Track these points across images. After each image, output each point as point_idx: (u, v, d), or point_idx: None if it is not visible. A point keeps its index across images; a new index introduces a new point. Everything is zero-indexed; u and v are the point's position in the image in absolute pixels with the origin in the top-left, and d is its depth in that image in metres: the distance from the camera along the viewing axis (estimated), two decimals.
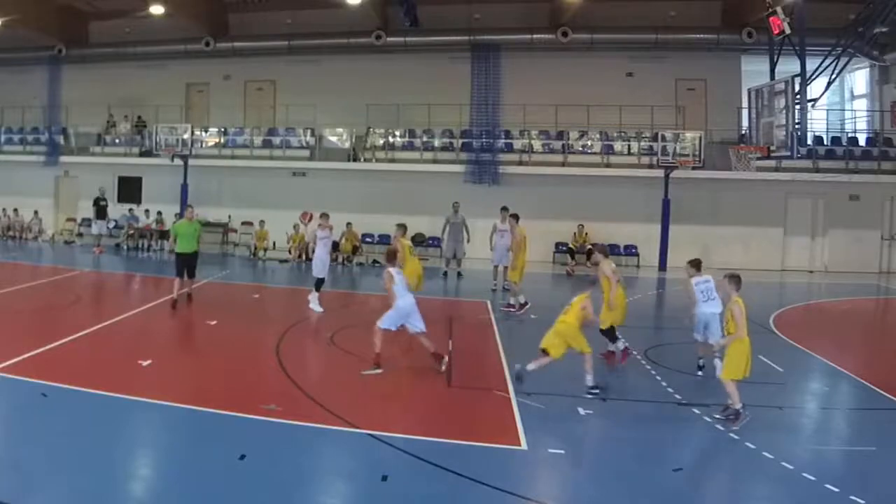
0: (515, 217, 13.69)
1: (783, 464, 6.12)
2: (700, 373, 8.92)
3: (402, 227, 12.21)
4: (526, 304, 12.89)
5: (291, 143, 23.11)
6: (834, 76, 16.18)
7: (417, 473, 5.81)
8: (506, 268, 15.81)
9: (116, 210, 22.83)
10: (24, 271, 17.10)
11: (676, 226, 19.96)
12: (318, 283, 12.64)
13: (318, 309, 12.36)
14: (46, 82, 24.87)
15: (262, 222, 21.03)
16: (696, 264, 9.14)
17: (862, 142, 21.51)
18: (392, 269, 8.99)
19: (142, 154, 23.63)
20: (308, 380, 8.22)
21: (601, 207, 20.65)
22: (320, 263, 12.75)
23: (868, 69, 22.27)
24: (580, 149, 22.04)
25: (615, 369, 9.17)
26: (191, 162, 21.98)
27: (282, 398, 7.52)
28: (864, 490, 5.54)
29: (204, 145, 23.51)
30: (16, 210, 23.69)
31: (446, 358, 8.82)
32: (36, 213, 23.67)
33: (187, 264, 12.53)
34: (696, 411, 7.35)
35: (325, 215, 13.07)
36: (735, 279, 7.33)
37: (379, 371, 8.52)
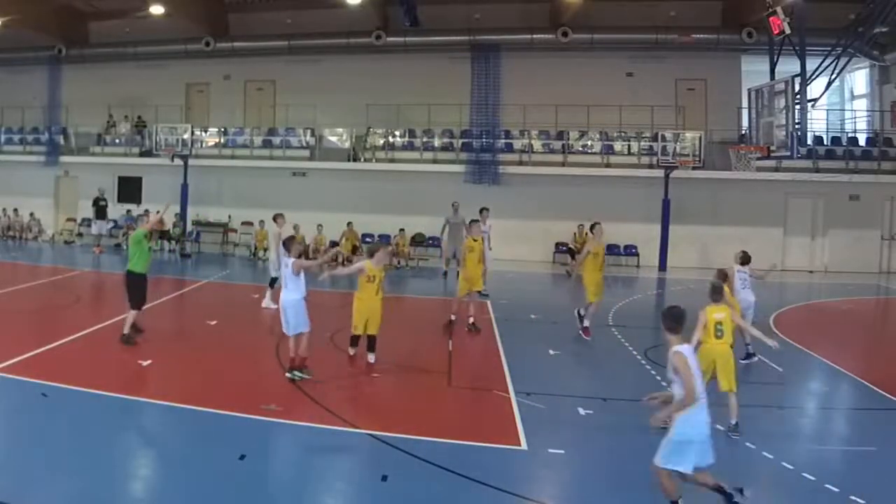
0: (596, 225, 11.35)
1: (783, 464, 6.12)
2: None
3: (476, 223, 11.91)
4: (586, 327, 11.00)
5: (291, 143, 23.10)
6: (834, 76, 16.17)
7: (417, 473, 5.81)
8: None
9: (116, 210, 22.84)
10: (24, 271, 17.11)
11: (676, 226, 19.97)
12: (275, 282, 12.38)
13: (274, 305, 12.19)
14: (46, 82, 24.85)
15: (261, 222, 20.97)
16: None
17: (862, 142, 21.51)
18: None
19: (142, 154, 23.62)
20: (308, 380, 8.21)
21: (601, 207, 20.53)
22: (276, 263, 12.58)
23: (868, 69, 22.27)
24: (580, 149, 22.04)
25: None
26: (191, 162, 21.97)
27: (282, 398, 7.52)
28: (864, 490, 5.54)
29: (204, 145, 23.51)
30: (16, 210, 23.71)
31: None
32: (32, 214, 23.69)
33: (144, 289, 9.88)
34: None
35: (282, 216, 13.01)
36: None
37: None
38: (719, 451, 6.61)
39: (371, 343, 8.79)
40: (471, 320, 11.17)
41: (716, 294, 7.18)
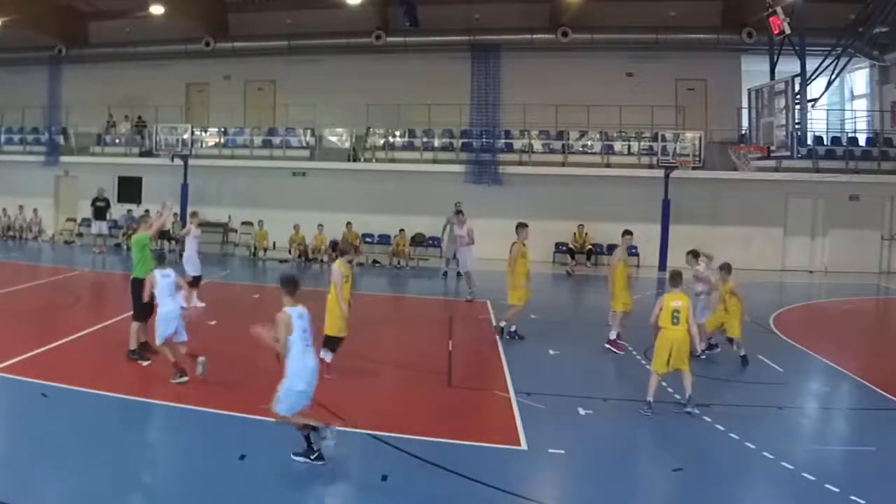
0: (628, 234, 10.86)
1: (783, 464, 6.12)
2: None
3: (525, 227, 10.99)
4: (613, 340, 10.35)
5: (291, 143, 23.10)
6: (834, 76, 16.19)
7: (417, 473, 5.81)
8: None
9: (116, 210, 22.83)
10: (25, 271, 17.10)
11: (676, 226, 19.93)
12: (198, 280, 12.74)
13: (201, 304, 12.44)
14: (46, 82, 24.84)
15: (261, 222, 21.04)
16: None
17: (862, 142, 21.50)
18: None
19: (142, 154, 23.62)
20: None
21: (601, 207, 20.61)
22: (194, 261, 12.86)
23: (868, 69, 22.26)
24: (580, 149, 22.02)
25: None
26: (191, 162, 21.97)
27: None
28: (864, 490, 5.54)
29: (204, 145, 23.50)
30: (21, 207, 23.68)
31: (201, 358, 8.06)
32: (35, 211, 23.69)
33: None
34: (696, 411, 7.35)
35: (196, 214, 13.15)
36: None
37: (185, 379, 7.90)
38: (717, 451, 6.67)
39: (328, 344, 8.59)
40: (513, 328, 10.78)
41: (674, 281, 7.35)
